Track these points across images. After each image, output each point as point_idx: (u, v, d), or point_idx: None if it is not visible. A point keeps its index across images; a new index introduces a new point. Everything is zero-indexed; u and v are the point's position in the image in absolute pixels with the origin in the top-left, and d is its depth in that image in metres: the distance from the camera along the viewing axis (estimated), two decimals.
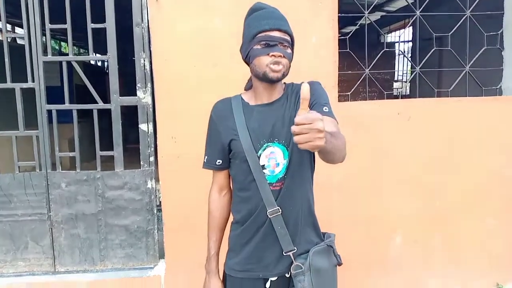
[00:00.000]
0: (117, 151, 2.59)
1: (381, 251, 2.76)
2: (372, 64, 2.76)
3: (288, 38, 1.40)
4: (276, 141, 1.43)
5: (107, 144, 2.63)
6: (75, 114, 2.60)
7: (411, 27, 7.62)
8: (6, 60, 2.52)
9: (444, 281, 2.82)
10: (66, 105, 2.59)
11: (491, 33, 2.84)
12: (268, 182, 1.43)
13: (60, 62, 2.64)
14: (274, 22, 1.38)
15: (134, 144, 2.73)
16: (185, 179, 2.52)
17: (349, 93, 2.82)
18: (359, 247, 2.65)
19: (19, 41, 6.97)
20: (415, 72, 2.81)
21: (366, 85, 2.78)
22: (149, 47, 2.51)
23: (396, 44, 9.22)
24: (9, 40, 2.54)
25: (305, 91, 1.05)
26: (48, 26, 2.50)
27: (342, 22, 2.64)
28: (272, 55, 1.36)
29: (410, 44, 8.74)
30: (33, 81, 2.53)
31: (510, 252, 2.84)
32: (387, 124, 2.69)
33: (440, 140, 2.71)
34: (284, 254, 1.45)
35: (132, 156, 3.03)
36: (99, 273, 2.62)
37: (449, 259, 2.81)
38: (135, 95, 2.55)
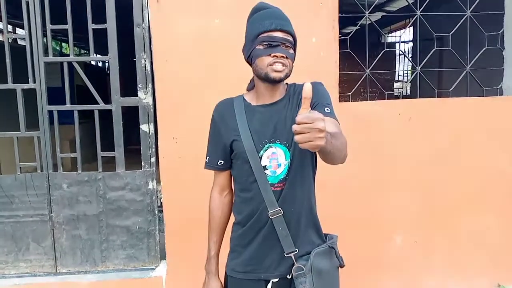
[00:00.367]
0: (118, 152, 2.59)
1: (381, 251, 2.76)
2: (373, 64, 2.76)
3: (290, 38, 1.40)
4: (278, 141, 1.43)
5: (108, 145, 2.63)
6: (76, 115, 2.60)
7: (411, 27, 7.62)
8: (7, 61, 2.52)
9: (445, 281, 2.82)
10: (67, 106, 2.59)
11: (492, 33, 2.84)
12: (269, 183, 1.43)
13: (61, 63, 2.64)
14: (276, 23, 1.38)
15: (135, 145, 2.73)
16: (187, 180, 2.52)
17: (349, 93, 2.82)
18: (360, 247, 2.65)
19: (20, 42, 6.99)
20: (415, 72, 2.81)
21: (367, 86, 2.78)
22: (150, 48, 2.51)
23: (397, 44, 9.22)
24: (10, 41, 2.54)
25: (307, 90, 1.05)
26: (49, 26, 2.50)
27: (343, 23, 2.64)
28: (274, 56, 1.36)
29: (411, 44, 8.74)
30: (34, 82, 2.53)
31: (511, 252, 2.83)
32: (388, 125, 2.69)
33: (441, 140, 2.71)
34: (286, 255, 1.45)
35: (133, 157, 3.03)
36: (100, 274, 2.62)
37: (450, 259, 2.81)
38: (136, 95, 2.55)
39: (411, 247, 2.77)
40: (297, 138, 1.02)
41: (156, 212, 2.64)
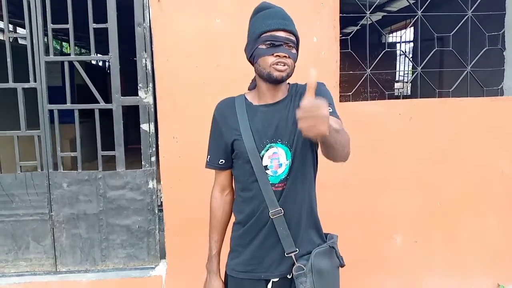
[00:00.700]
0: (119, 151, 2.59)
1: (381, 250, 2.76)
2: (374, 64, 2.77)
3: (293, 38, 1.40)
4: (279, 141, 1.43)
5: (108, 144, 2.63)
6: (76, 114, 2.60)
7: (412, 27, 7.62)
8: (8, 60, 2.53)
9: (444, 281, 2.82)
10: (68, 105, 2.59)
11: (493, 33, 2.84)
12: (270, 182, 1.43)
13: (62, 62, 2.64)
14: (279, 22, 1.38)
15: (136, 144, 2.73)
16: (187, 179, 2.52)
17: (350, 93, 2.82)
18: (360, 247, 2.65)
19: (20, 41, 6.99)
20: (416, 73, 2.81)
21: (368, 86, 2.78)
22: (151, 47, 2.51)
23: (398, 45, 9.22)
24: (10, 40, 2.54)
25: (312, 78, 1.03)
26: (50, 26, 2.50)
27: (344, 23, 2.63)
28: (277, 55, 1.36)
29: (412, 44, 8.74)
30: (35, 81, 2.54)
31: (511, 252, 2.83)
32: (388, 125, 2.69)
33: (441, 140, 2.71)
34: (286, 255, 1.45)
35: (134, 156, 3.03)
36: (100, 273, 2.62)
37: (450, 259, 2.81)
38: (137, 95, 2.55)
39: (411, 247, 2.77)
40: (300, 124, 1.02)
41: (156, 211, 2.64)
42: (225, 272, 1.59)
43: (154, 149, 2.59)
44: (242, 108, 1.48)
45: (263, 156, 1.43)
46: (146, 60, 2.54)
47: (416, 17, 2.78)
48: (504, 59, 2.92)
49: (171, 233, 2.59)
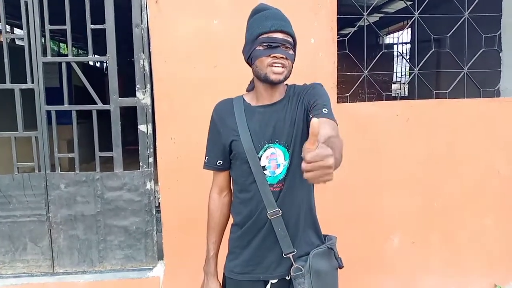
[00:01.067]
0: (116, 152, 2.58)
1: (379, 251, 2.76)
2: (371, 65, 2.77)
3: (290, 39, 1.41)
4: (277, 142, 1.43)
5: (106, 145, 2.62)
6: (74, 115, 2.60)
7: (409, 29, 7.64)
8: (6, 61, 2.52)
9: (442, 281, 2.82)
10: (66, 106, 2.59)
11: (489, 35, 2.86)
12: (268, 183, 1.43)
13: (59, 63, 2.64)
14: (276, 24, 1.38)
15: (133, 145, 2.73)
16: (184, 180, 2.52)
17: (347, 94, 2.83)
18: (357, 247, 2.66)
19: (17, 42, 6.97)
20: (413, 74, 2.82)
21: (365, 87, 2.79)
22: (149, 48, 2.51)
23: (395, 46, 9.24)
24: (8, 41, 2.54)
25: (315, 126, 0.97)
26: (48, 27, 2.50)
27: (341, 24, 2.65)
28: (274, 57, 1.37)
29: (409, 45, 8.77)
30: (32, 82, 2.53)
31: (508, 253, 2.85)
32: (385, 126, 2.69)
33: (438, 141, 2.72)
34: (284, 256, 1.45)
35: (131, 157, 3.03)
36: (97, 274, 2.62)
37: (447, 259, 2.81)
38: (134, 96, 2.55)
39: (409, 248, 2.78)
40: (307, 175, 0.98)
41: (154, 213, 2.63)
42: (223, 274, 1.59)
43: (151, 150, 2.59)
44: (240, 109, 1.48)
45: (261, 156, 1.43)
46: (144, 61, 2.54)
47: (413, 19, 2.79)
48: (500, 60, 2.93)
49: (169, 234, 2.59)
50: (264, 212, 1.44)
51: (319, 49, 2.56)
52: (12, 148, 2.59)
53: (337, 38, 2.61)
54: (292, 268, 1.44)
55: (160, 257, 2.67)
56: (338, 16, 2.57)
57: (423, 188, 2.74)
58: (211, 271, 1.60)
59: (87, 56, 2.66)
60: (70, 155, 2.64)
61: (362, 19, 2.72)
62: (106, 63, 2.61)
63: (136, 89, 2.55)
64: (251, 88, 1.55)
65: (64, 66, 2.56)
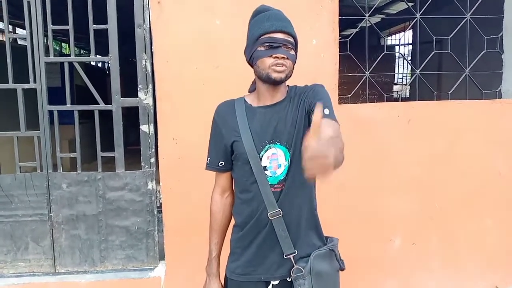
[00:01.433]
0: (118, 152, 2.59)
1: (379, 252, 2.76)
2: (373, 66, 2.78)
3: (291, 40, 1.41)
4: (278, 142, 1.43)
5: (107, 145, 2.63)
6: (76, 115, 2.60)
7: (411, 30, 7.64)
8: (8, 60, 2.53)
9: (442, 283, 2.82)
10: (68, 106, 2.59)
11: (491, 36, 2.86)
12: (269, 183, 1.43)
13: (61, 63, 2.65)
14: (277, 24, 1.39)
15: (135, 145, 2.73)
16: (186, 180, 2.53)
17: (349, 95, 2.83)
18: (358, 249, 2.65)
19: (19, 42, 6.98)
20: (415, 75, 2.82)
21: (367, 88, 2.79)
22: (151, 49, 2.52)
23: (396, 47, 9.24)
24: (10, 41, 2.55)
25: (318, 116, 0.99)
26: (50, 27, 2.51)
27: (343, 25, 2.65)
28: (275, 57, 1.37)
29: (410, 47, 8.76)
30: (35, 81, 2.54)
31: (509, 255, 2.84)
32: (387, 127, 2.70)
33: (439, 143, 2.72)
34: (285, 257, 1.45)
35: (133, 157, 3.03)
36: (99, 274, 2.62)
37: (448, 261, 2.81)
38: (136, 96, 2.56)
39: (409, 249, 2.78)
40: (306, 171, 0.98)
41: (155, 213, 2.64)
42: (225, 275, 1.59)
43: (153, 150, 2.60)
44: (242, 110, 1.49)
45: (262, 156, 1.43)
46: (146, 62, 2.54)
47: (415, 20, 2.79)
48: (502, 62, 2.93)
49: (170, 234, 2.59)
50: (265, 212, 1.44)
51: (321, 50, 2.56)
52: (14, 148, 2.60)
53: (339, 39, 2.61)
54: (293, 269, 1.44)
55: (162, 257, 2.68)
56: (339, 17, 2.58)
57: (424, 189, 2.74)
58: (213, 271, 1.60)
59: (89, 56, 2.67)
60: (72, 155, 2.65)
61: (364, 20, 2.72)
62: (108, 63, 2.62)
63: (138, 89, 2.56)
64: (252, 89, 1.56)
65: (66, 66, 2.57)
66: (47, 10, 2.49)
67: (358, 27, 3.16)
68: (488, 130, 2.75)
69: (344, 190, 2.65)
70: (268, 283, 1.49)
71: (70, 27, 2.51)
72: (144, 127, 2.57)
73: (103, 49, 2.88)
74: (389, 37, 9.94)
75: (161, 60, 2.49)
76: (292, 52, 1.42)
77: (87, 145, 3.41)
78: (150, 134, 2.58)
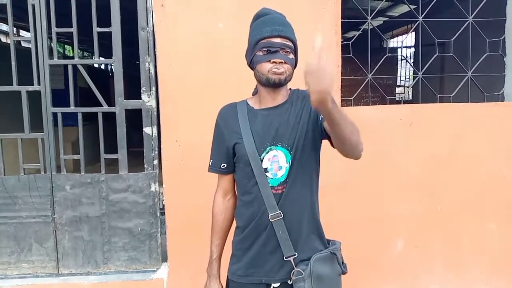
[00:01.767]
0: (121, 154, 2.60)
1: (381, 254, 2.76)
2: (375, 69, 2.78)
3: (290, 43, 1.43)
4: (279, 144, 1.44)
5: (110, 147, 2.64)
6: (80, 117, 2.62)
7: (413, 33, 7.64)
8: (13, 63, 2.54)
9: (445, 285, 2.82)
10: (72, 108, 2.61)
11: (493, 39, 2.86)
12: (270, 185, 1.44)
13: (65, 65, 2.66)
14: (275, 29, 1.41)
15: (138, 148, 2.75)
16: (189, 182, 2.53)
17: (351, 98, 2.84)
18: (360, 252, 2.65)
19: (23, 44, 7.01)
20: (417, 78, 2.83)
21: (369, 90, 2.79)
22: (154, 51, 2.53)
23: (399, 50, 9.23)
24: (14, 43, 2.57)
25: (318, 41, 1.10)
26: (54, 29, 2.53)
27: (345, 27, 2.65)
28: (274, 62, 1.39)
29: (413, 49, 8.76)
30: (39, 84, 2.55)
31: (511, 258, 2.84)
32: (389, 129, 2.70)
33: (442, 146, 2.72)
34: (285, 259, 1.45)
35: (136, 159, 3.04)
36: (102, 276, 2.63)
37: (450, 264, 2.81)
38: (139, 98, 2.57)
39: (411, 252, 2.77)
40: (307, 78, 1.09)
41: (158, 214, 2.65)
42: (227, 277, 1.59)
43: (156, 152, 2.61)
44: (244, 112, 1.50)
45: (263, 158, 1.44)
46: (149, 64, 2.56)
47: (417, 23, 2.79)
48: (504, 64, 2.93)
49: (173, 236, 2.60)
50: (265, 214, 1.45)
51: (323, 53, 2.56)
52: (18, 150, 2.61)
53: (341, 41, 2.62)
54: (293, 271, 1.44)
55: (164, 259, 2.68)
56: (342, 20, 2.59)
57: (426, 192, 2.74)
58: (213, 273, 1.61)
59: (92, 58, 2.68)
60: (76, 156, 2.66)
61: (366, 23, 2.73)
62: (111, 65, 2.63)
63: (142, 91, 2.57)
64: (255, 92, 1.57)
65: (70, 68, 2.59)
66: (51, 13, 2.50)
67: (361, 30, 3.17)
68: (490, 132, 2.74)
69: (346, 193, 2.65)
70: (269, 285, 1.50)
71: (74, 29, 2.52)
72: (147, 129, 2.59)
73: (106, 52, 2.90)
74: (392, 40, 9.95)
75: (164, 62, 2.50)
76: (291, 56, 1.44)
77: (90, 147, 3.43)
78: (153, 136, 2.59)
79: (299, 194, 1.46)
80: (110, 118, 2.66)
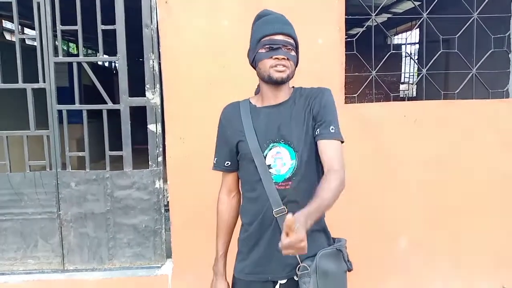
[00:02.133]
0: (126, 151, 2.62)
1: (385, 252, 2.76)
2: (379, 66, 2.78)
3: (291, 41, 1.45)
4: (282, 141, 1.45)
5: (115, 144, 2.66)
6: (85, 114, 2.63)
7: (417, 29, 7.61)
8: (18, 61, 2.56)
9: (448, 283, 2.82)
10: (77, 106, 2.62)
11: (498, 35, 2.84)
12: (274, 181, 1.45)
13: (70, 63, 2.68)
14: (277, 27, 1.43)
15: (143, 145, 2.76)
16: (193, 179, 2.55)
17: (355, 95, 2.84)
18: (363, 249, 2.65)
19: (28, 42, 7.05)
20: (421, 74, 2.82)
21: (373, 87, 2.79)
22: (158, 49, 2.54)
23: (403, 46, 9.20)
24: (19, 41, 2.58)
25: (289, 222, 1.07)
26: (59, 27, 2.54)
27: (349, 24, 2.65)
28: (275, 58, 1.41)
29: (417, 46, 8.72)
30: (44, 81, 2.57)
31: None
32: (393, 126, 2.70)
33: (446, 142, 2.72)
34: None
35: (141, 156, 3.06)
36: (107, 272, 2.65)
37: (454, 261, 2.81)
38: (144, 96, 2.58)
39: (415, 249, 2.78)
40: (284, 252, 1.11)
41: (163, 211, 2.66)
42: (233, 275, 1.60)
43: (161, 149, 2.62)
44: (247, 111, 1.52)
45: (266, 155, 1.46)
46: (153, 61, 2.57)
47: (422, 19, 2.78)
48: (509, 61, 2.92)
49: (177, 232, 2.61)
50: (270, 210, 1.45)
51: (327, 50, 2.57)
52: (24, 147, 2.63)
53: (345, 38, 2.62)
54: (299, 266, 1.45)
55: (169, 255, 2.70)
56: (346, 16, 2.58)
57: (430, 189, 2.74)
58: (219, 271, 1.62)
59: (96, 55, 2.70)
60: (81, 154, 2.68)
61: (370, 19, 2.72)
62: (115, 63, 2.64)
63: (146, 89, 2.58)
64: (258, 91, 1.58)
65: (75, 66, 2.60)
66: (56, 11, 2.51)
67: (365, 26, 3.16)
68: (495, 129, 2.73)
69: (349, 190, 2.64)
70: (275, 282, 1.50)
71: (79, 27, 2.53)
72: (151, 126, 2.60)
73: (110, 49, 2.91)
74: (396, 36, 9.90)
75: (168, 60, 2.51)
76: (293, 53, 1.46)
77: (95, 144, 3.45)
78: (158, 133, 2.61)
79: (304, 190, 1.47)
80: (114, 115, 2.67)
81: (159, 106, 2.60)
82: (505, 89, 2.89)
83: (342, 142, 1.45)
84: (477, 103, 2.74)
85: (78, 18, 2.52)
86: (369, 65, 2.77)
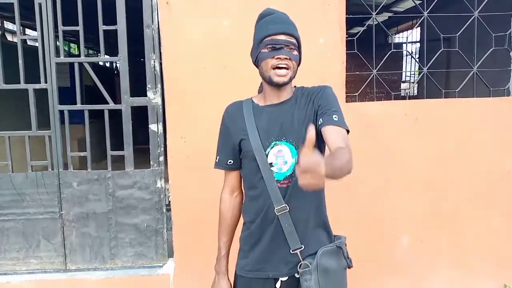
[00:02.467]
0: (128, 151, 2.62)
1: (387, 251, 2.76)
2: (380, 65, 2.78)
3: (294, 41, 1.45)
4: (284, 139, 1.46)
5: (116, 144, 2.66)
6: (86, 114, 2.64)
7: (418, 28, 7.61)
8: (20, 61, 2.57)
9: (451, 281, 2.82)
10: (78, 106, 2.63)
11: (499, 34, 2.84)
12: (276, 179, 1.46)
13: (71, 63, 2.68)
14: (280, 27, 1.44)
15: (144, 144, 2.77)
16: (194, 178, 2.55)
17: (356, 93, 2.84)
18: (365, 247, 2.66)
19: (29, 43, 7.06)
20: (422, 73, 2.82)
21: (374, 86, 2.79)
22: (159, 49, 2.55)
23: (404, 45, 9.20)
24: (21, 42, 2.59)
25: (310, 133, 1.05)
26: (61, 28, 2.55)
27: (350, 23, 2.65)
28: (278, 58, 1.41)
29: (418, 45, 8.72)
30: (45, 82, 2.58)
31: None
32: (394, 125, 2.70)
33: (447, 141, 2.72)
34: (292, 252, 1.47)
35: (142, 156, 3.06)
36: (109, 271, 2.66)
37: (456, 259, 2.81)
38: (145, 96, 2.59)
39: (417, 248, 2.78)
40: (300, 180, 1.04)
41: (164, 211, 2.67)
42: (235, 272, 1.61)
43: (162, 149, 2.63)
44: (249, 109, 1.53)
45: (268, 153, 1.46)
46: (154, 61, 2.57)
47: (422, 18, 2.78)
48: (510, 59, 2.92)
49: (179, 232, 2.62)
50: (271, 208, 1.46)
51: (328, 49, 2.57)
52: (26, 147, 2.64)
53: (346, 37, 2.62)
54: (300, 264, 1.46)
55: (170, 254, 2.71)
56: (347, 15, 2.58)
57: (432, 188, 2.74)
58: (222, 270, 1.63)
59: (98, 56, 2.71)
60: (83, 154, 2.68)
61: (371, 18, 2.72)
62: (116, 63, 2.65)
63: (147, 89, 2.58)
64: (261, 90, 1.60)
65: (76, 66, 2.61)
66: (57, 12, 2.52)
67: (366, 25, 3.16)
68: (496, 128, 2.73)
69: (351, 189, 2.65)
70: (277, 279, 1.51)
71: (80, 28, 2.54)
72: (153, 126, 2.60)
73: (111, 49, 2.91)
74: (397, 35, 9.90)
75: (169, 60, 2.52)
76: (295, 52, 1.46)
77: (96, 144, 3.45)
78: (159, 133, 2.61)
79: None
80: (116, 115, 2.68)
81: (160, 106, 2.60)
82: (506, 87, 2.89)
83: (348, 131, 1.41)
84: (478, 101, 2.74)
85: (79, 19, 2.53)
86: (370, 64, 2.77)
